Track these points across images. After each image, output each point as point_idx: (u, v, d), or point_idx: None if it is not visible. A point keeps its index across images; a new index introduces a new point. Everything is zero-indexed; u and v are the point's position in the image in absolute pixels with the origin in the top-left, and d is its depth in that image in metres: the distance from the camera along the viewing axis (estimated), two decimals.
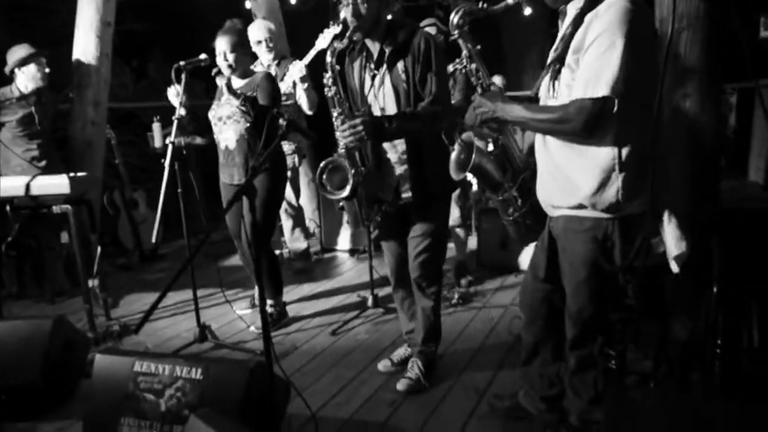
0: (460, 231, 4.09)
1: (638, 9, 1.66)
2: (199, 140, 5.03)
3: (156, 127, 5.68)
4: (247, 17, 5.01)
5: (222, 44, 3.13)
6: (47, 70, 3.89)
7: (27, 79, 3.84)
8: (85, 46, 4.14)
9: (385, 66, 2.40)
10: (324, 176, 2.46)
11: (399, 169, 2.50)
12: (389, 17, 2.41)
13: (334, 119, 2.44)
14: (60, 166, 3.98)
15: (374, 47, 2.43)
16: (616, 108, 1.64)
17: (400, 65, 2.36)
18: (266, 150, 2.10)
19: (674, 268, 2.56)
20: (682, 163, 2.64)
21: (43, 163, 3.94)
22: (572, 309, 1.95)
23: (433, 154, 2.46)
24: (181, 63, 3.00)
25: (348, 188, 2.41)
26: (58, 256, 4.15)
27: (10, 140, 3.87)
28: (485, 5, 1.90)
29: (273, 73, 4.13)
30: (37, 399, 2.51)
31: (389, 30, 2.38)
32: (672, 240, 2.59)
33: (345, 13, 2.32)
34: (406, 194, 2.51)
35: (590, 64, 1.65)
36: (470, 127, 2.00)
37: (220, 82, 3.28)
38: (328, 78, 2.39)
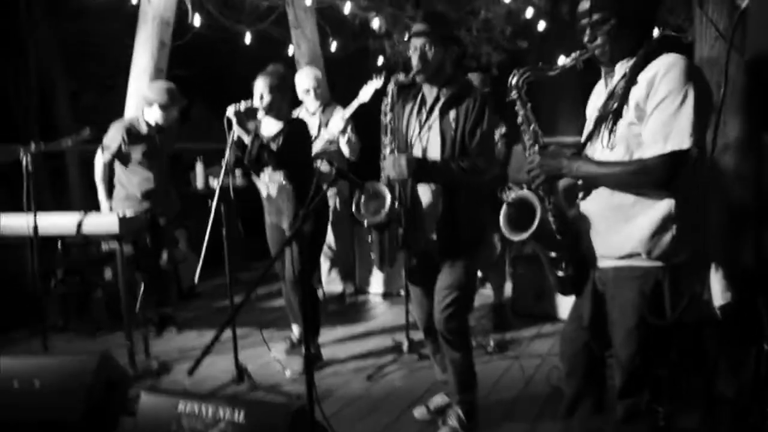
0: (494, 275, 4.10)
1: (697, 66, 1.80)
2: (240, 182, 5.18)
3: (199, 167, 5.88)
4: (290, 64, 5.20)
5: (260, 85, 3.22)
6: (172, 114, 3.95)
7: (156, 116, 3.89)
8: (139, 91, 4.33)
9: (437, 111, 2.49)
10: (361, 199, 2.51)
11: (432, 217, 2.52)
12: (452, 70, 2.51)
13: (383, 146, 2.53)
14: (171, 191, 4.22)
15: (431, 92, 2.53)
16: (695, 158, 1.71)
17: (452, 114, 2.45)
18: (314, 198, 2.17)
19: (719, 316, 2.54)
20: (724, 213, 2.63)
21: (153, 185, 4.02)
22: (622, 357, 1.93)
23: (468, 200, 2.50)
24: (231, 110, 3.08)
25: (383, 214, 2.44)
26: (102, 292, 4.27)
27: (127, 170, 3.95)
28: (544, 67, 1.93)
29: (317, 121, 4.26)
30: None
31: (449, 80, 2.49)
32: (718, 289, 2.57)
33: (413, 56, 2.44)
34: (433, 235, 2.50)
35: (667, 119, 1.72)
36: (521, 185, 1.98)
37: (252, 125, 3.32)
38: (386, 105, 2.51)
